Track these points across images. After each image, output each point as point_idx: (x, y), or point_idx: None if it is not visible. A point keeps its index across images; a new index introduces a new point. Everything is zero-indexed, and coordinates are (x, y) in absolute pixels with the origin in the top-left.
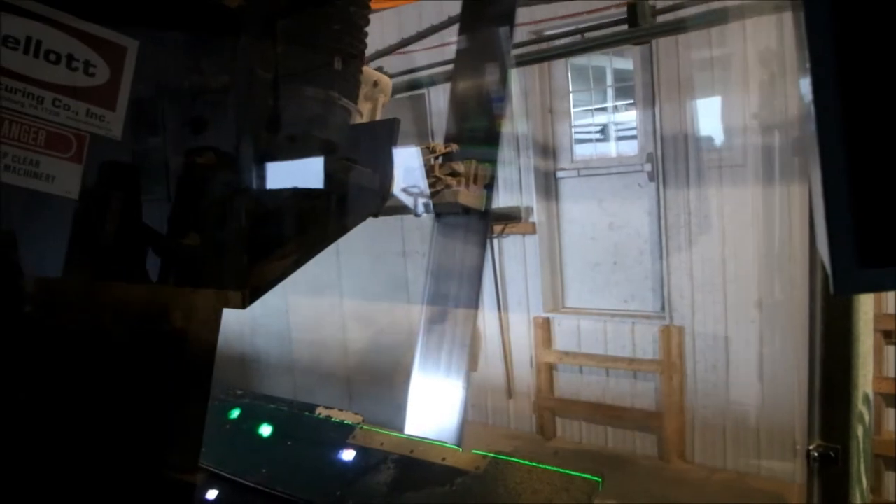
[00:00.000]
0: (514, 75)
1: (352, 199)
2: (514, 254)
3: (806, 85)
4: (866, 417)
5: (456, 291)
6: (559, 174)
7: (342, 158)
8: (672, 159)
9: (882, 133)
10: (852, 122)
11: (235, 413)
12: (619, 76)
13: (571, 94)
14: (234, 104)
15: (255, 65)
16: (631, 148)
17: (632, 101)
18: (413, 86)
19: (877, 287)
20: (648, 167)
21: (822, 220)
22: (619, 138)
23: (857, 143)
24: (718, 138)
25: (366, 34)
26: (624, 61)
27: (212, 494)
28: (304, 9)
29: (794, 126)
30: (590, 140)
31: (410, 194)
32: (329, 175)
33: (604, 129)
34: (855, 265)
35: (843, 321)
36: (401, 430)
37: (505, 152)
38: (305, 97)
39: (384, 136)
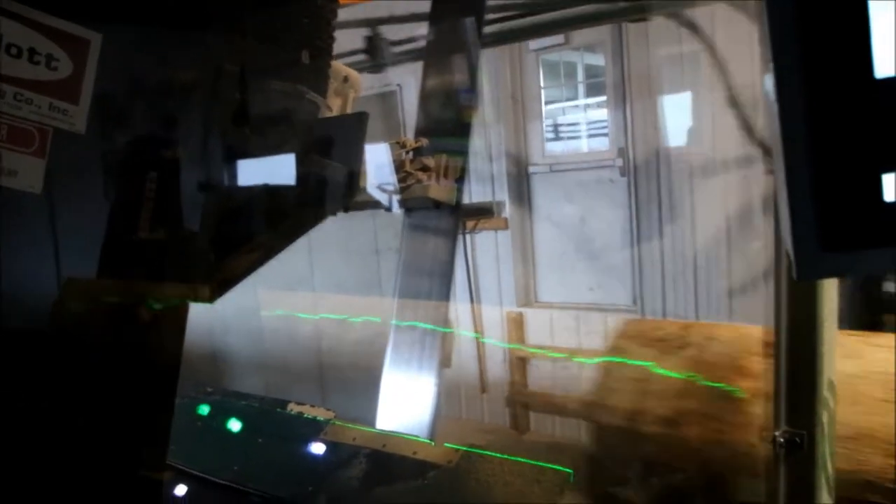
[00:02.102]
0: (485, 71)
1: (320, 192)
2: (486, 249)
3: (769, 78)
4: (831, 403)
5: (427, 286)
6: (531, 170)
7: (310, 152)
8: (643, 154)
9: (843, 117)
10: (814, 107)
11: (206, 410)
12: (591, 72)
13: (543, 90)
14: (199, 98)
15: (220, 58)
16: (602, 144)
17: (603, 97)
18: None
19: (839, 272)
20: (620, 162)
21: (785, 206)
22: (591, 134)
23: (819, 125)
24: (688, 132)
25: (334, 28)
26: (595, 57)
27: (182, 493)
28: (270, 1)
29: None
30: (561, 136)
31: (381, 190)
32: (297, 169)
33: (575, 125)
34: (818, 250)
35: (807, 308)
36: (373, 424)
37: (476, 149)
38: (272, 91)
39: (353, 129)
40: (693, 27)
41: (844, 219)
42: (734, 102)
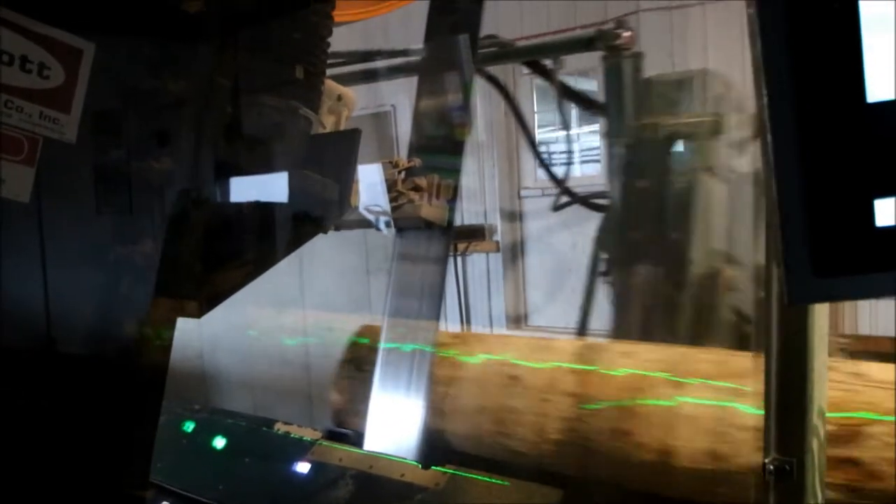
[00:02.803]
0: (479, 95)
1: (310, 209)
2: (478, 272)
3: (761, 100)
4: (821, 431)
5: (417, 306)
6: (523, 193)
7: (302, 168)
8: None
9: (836, 141)
10: (805, 132)
11: (192, 428)
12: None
13: (536, 115)
14: (192, 111)
15: (214, 71)
16: (594, 169)
17: (596, 126)
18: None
19: (831, 296)
20: None
21: (777, 231)
22: (584, 160)
23: (811, 150)
24: (681, 157)
25: (328, 45)
26: (588, 82)
27: None
28: (265, 16)
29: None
30: (554, 161)
31: (372, 211)
32: (288, 185)
33: (568, 150)
34: (809, 275)
35: (798, 335)
36: (360, 445)
37: (470, 172)
38: (265, 106)
39: (345, 146)
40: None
41: (836, 244)
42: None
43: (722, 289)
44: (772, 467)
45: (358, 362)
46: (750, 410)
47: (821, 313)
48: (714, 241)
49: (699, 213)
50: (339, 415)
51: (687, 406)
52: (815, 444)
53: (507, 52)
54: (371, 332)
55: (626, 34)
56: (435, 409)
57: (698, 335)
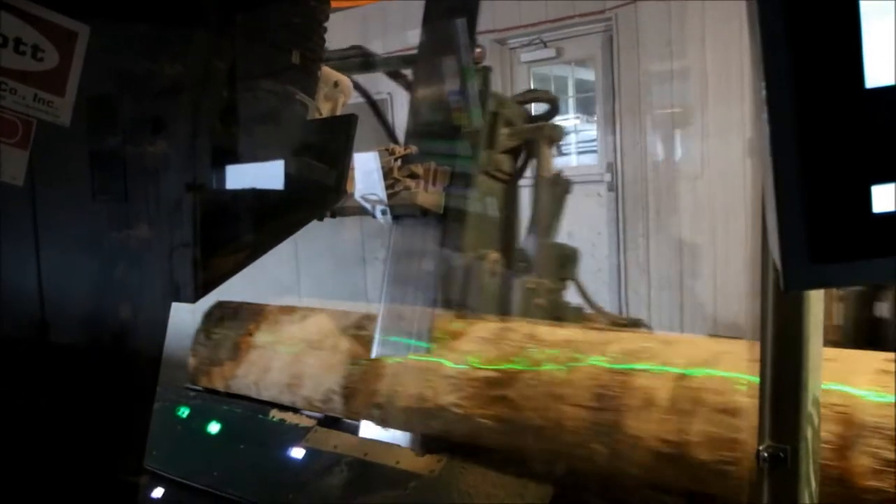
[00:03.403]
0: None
1: (306, 194)
2: None
3: (758, 85)
4: (815, 419)
5: (413, 293)
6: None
7: (297, 153)
8: (631, 169)
9: (833, 127)
10: (803, 117)
11: (187, 414)
12: (582, 87)
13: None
14: (187, 95)
15: (210, 56)
16: (591, 159)
17: (594, 116)
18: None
19: (827, 283)
20: (608, 177)
21: (773, 217)
22: (581, 151)
23: (809, 135)
24: (677, 149)
25: (325, 30)
26: (586, 72)
27: (162, 498)
28: (262, 0)
29: (748, 130)
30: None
31: (365, 199)
32: (283, 170)
33: (565, 142)
34: (806, 261)
35: (793, 322)
36: (355, 432)
37: (465, 160)
38: (261, 91)
39: (341, 131)
40: None
41: (833, 230)
42: None
43: (487, 269)
44: (766, 454)
45: (208, 332)
46: (449, 364)
47: (816, 300)
48: (485, 230)
49: (475, 207)
50: (192, 375)
51: (410, 361)
52: (809, 432)
53: (370, 62)
54: (221, 308)
55: (477, 50)
56: (258, 369)
57: (464, 306)
